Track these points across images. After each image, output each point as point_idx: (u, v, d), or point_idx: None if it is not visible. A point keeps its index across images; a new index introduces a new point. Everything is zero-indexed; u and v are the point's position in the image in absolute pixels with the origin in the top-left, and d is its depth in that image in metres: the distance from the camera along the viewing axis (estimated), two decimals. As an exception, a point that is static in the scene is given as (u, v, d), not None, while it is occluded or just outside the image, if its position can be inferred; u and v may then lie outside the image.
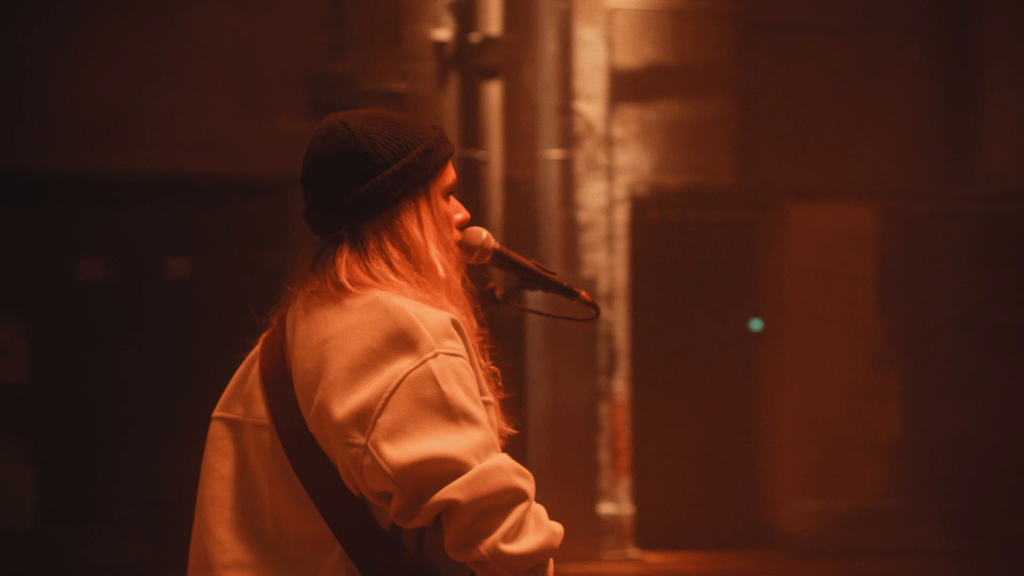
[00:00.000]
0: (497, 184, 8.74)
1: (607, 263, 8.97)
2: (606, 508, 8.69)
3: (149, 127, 7.71)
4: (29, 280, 7.59)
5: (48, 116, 7.53)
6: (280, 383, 2.40)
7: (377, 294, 2.35)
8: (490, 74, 8.68)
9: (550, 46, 8.84)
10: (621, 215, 9.01)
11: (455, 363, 2.31)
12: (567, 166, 8.81)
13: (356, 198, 2.40)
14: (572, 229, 8.85)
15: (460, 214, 2.51)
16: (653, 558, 8.64)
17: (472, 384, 2.32)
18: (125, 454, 7.61)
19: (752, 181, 9.09)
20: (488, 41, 8.63)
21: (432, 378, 2.29)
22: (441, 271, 2.42)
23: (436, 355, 2.30)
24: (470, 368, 2.35)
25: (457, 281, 2.47)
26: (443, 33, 8.67)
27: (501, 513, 2.27)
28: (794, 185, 9.15)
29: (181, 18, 7.94)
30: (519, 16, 8.84)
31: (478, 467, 2.26)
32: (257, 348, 2.44)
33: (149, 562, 7.27)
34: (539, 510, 2.33)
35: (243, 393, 2.43)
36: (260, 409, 2.39)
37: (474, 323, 2.47)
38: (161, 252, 7.82)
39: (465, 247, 2.55)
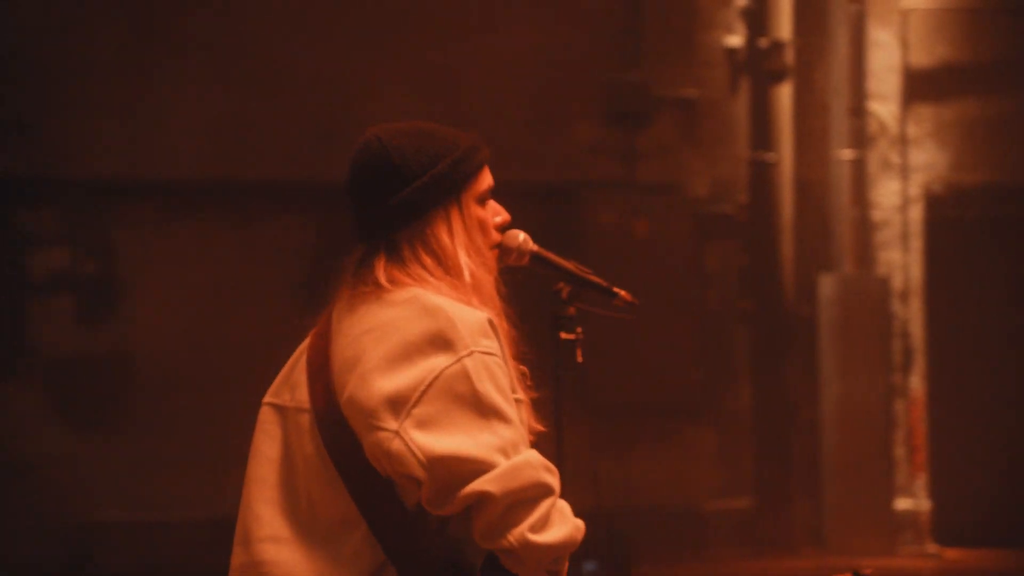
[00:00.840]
0: (788, 185, 8.88)
1: (902, 261, 8.97)
2: (903, 504, 8.67)
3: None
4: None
5: (356, 130, 8.16)
6: (322, 369, 2.47)
7: (416, 291, 2.44)
8: (781, 77, 8.85)
9: (843, 48, 8.95)
10: (916, 213, 8.99)
11: (489, 362, 2.39)
12: (859, 166, 8.88)
13: (389, 209, 2.49)
14: (865, 228, 8.91)
15: (500, 217, 2.59)
16: (952, 554, 8.55)
17: (505, 382, 2.40)
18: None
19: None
20: (779, 45, 8.80)
21: (467, 376, 2.36)
22: (467, 276, 2.48)
23: (472, 353, 2.38)
24: (503, 367, 2.42)
25: (489, 284, 2.53)
26: (734, 39, 8.89)
27: (530, 506, 2.36)
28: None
29: (484, 35, 8.43)
30: (810, 20, 8.97)
31: (510, 462, 2.36)
32: (306, 342, 2.53)
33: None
34: (563, 505, 2.44)
35: (291, 381, 2.52)
36: (303, 394, 2.47)
37: (505, 324, 2.52)
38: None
39: (504, 249, 2.62)
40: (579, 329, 2.71)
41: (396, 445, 2.36)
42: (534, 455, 2.40)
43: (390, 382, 2.38)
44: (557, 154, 8.46)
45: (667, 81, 8.70)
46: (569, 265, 2.73)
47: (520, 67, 8.42)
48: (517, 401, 2.48)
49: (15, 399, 7.93)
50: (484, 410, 2.38)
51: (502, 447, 2.37)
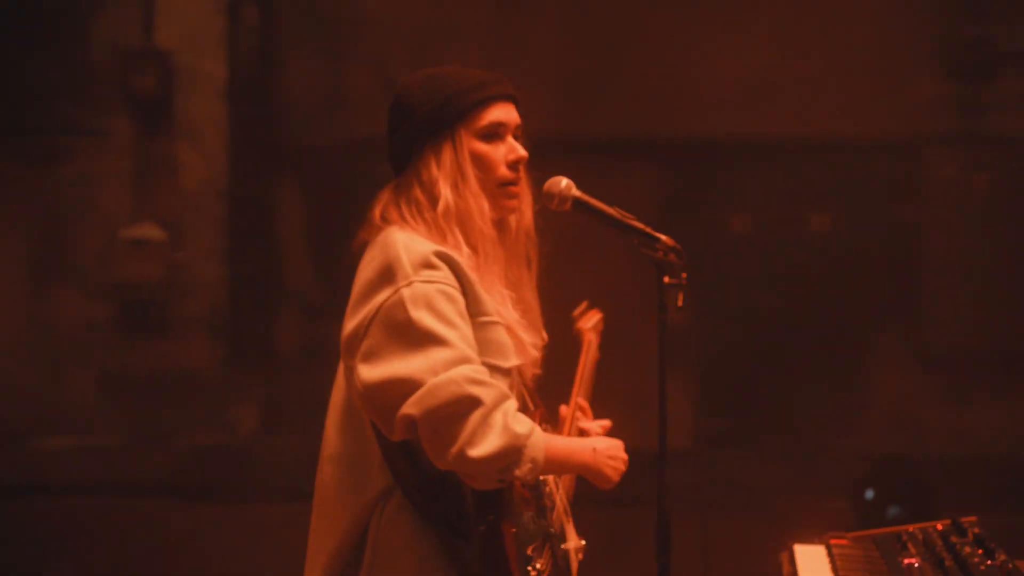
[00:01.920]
0: None
1: None
2: None
3: (795, 93, 8.45)
4: (687, 234, 8.63)
5: (702, 87, 8.50)
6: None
7: (389, 231, 2.55)
8: None
9: None
10: None
11: (428, 289, 2.43)
12: None
13: (393, 146, 2.64)
14: None
15: (513, 154, 2.64)
16: None
17: (447, 307, 2.43)
18: (766, 387, 8.48)
19: None
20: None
21: (403, 304, 2.42)
22: (442, 207, 2.53)
23: (410, 283, 2.44)
24: (451, 293, 2.45)
25: (479, 216, 2.57)
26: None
27: (458, 422, 2.35)
28: None
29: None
30: None
31: (430, 382, 2.36)
32: None
33: (784, 486, 8.08)
34: (503, 415, 2.40)
35: None
36: None
37: (498, 252, 2.60)
38: (803, 207, 8.60)
39: (546, 195, 2.73)
40: (684, 275, 2.74)
41: (353, 381, 2.48)
42: (462, 371, 2.38)
43: (350, 322, 2.50)
44: (898, 109, 8.57)
45: (1014, 36, 8.63)
46: (612, 211, 2.77)
47: (860, 21, 8.54)
48: (491, 323, 2.53)
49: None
50: (417, 336, 2.40)
51: (433, 368, 2.38)
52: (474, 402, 2.35)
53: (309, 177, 9.09)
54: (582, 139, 8.71)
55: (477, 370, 2.40)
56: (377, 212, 2.62)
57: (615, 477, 2.69)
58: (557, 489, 2.79)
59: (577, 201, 2.75)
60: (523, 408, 2.70)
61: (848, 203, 8.56)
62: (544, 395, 2.99)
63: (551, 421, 2.89)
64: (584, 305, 3.37)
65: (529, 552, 2.54)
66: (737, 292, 8.57)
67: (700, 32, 8.52)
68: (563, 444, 2.62)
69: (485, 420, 2.36)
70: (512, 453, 2.37)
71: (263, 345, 9.15)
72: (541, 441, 2.44)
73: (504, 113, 2.65)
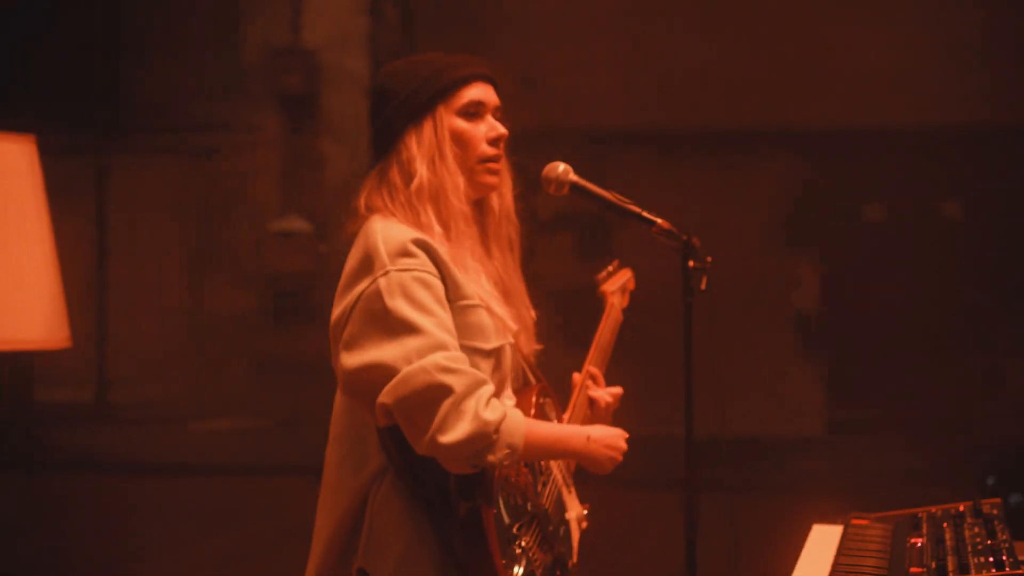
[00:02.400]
0: None
1: None
2: None
3: (929, 82, 8.45)
4: (821, 222, 8.75)
5: (838, 77, 8.58)
6: None
7: (371, 221, 2.58)
8: None
9: None
10: None
11: (404, 277, 2.46)
12: None
13: (375, 133, 2.65)
14: None
15: (494, 131, 2.64)
16: None
17: (424, 295, 2.47)
18: (898, 375, 8.57)
19: None
20: None
21: (379, 294, 2.46)
22: (416, 185, 2.56)
23: (387, 272, 2.47)
24: (430, 278, 2.49)
25: (453, 193, 2.59)
26: None
27: (429, 410, 2.40)
28: None
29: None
30: None
31: (403, 371, 2.41)
32: None
33: (915, 474, 8.14)
34: (476, 402, 2.43)
35: None
36: None
37: (473, 231, 2.62)
38: (934, 196, 8.67)
39: (544, 180, 2.74)
40: (709, 259, 2.73)
41: (337, 368, 2.56)
42: (432, 359, 2.44)
43: (335, 311, 2.58)
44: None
45: None
46: (608, 195, 2.77)
47: (997, 8, 8.52)
48: (471, 307, 2.56)
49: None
50: (393, 324, 2.45)
51: (407, 356, 2.44)
52: (445, 390, 2.40)
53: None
54: (718, 130, 8.88)
55: (450, 357, 2.44)
56: (362, 201, 2.65)
57: (609, 466, 2.70)
58: (556, 463, 2.82)
59: (574, 185, 2.76)
60: (524, 383, 2.80)
61: (981, 191, 8.60)
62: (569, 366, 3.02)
63: (554, 395, 2.91)
64: (614, 265, 3.31)
65: (515, 531, 2.57)
66: (870, 281, 8.67)
67: (835, 20, 8.62)
68: (548, 430, 2.63)
69: (456, 407, 2.41)
70: (482, 439, 2.41)
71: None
72: (520, 427, 2.47)
73: (483, 92, 2.65)
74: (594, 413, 2.92)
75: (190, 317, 9.75)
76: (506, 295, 2.69)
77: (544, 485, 2.74)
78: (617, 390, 2.96)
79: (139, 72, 9.75)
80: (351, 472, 2.65)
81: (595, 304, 3.26)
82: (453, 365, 2.42)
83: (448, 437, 2.39)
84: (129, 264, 9.78)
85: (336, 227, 7.97)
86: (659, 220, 2.74)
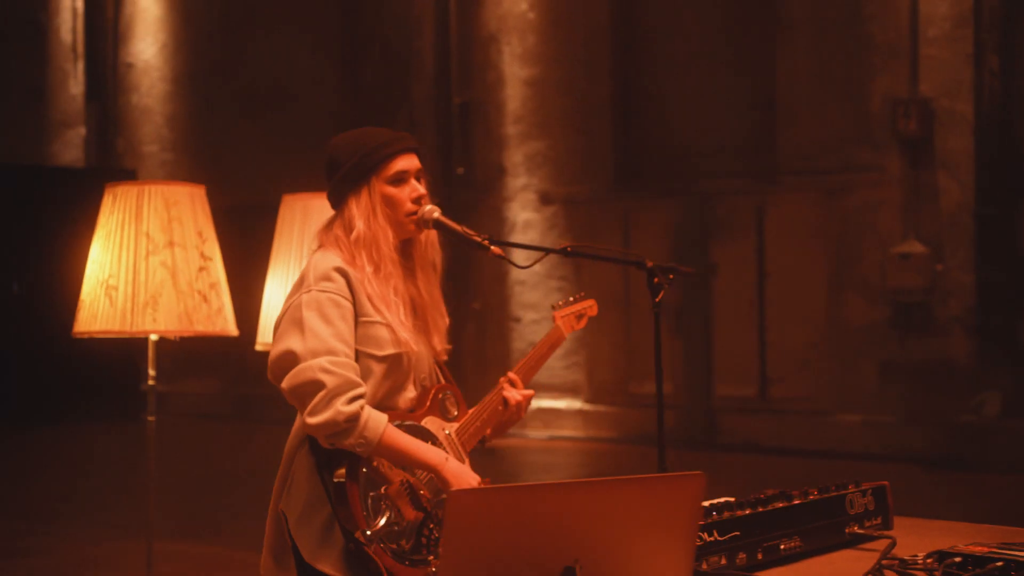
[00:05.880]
0: None
1: None
2: None
3: None
4: None
5: None
6: None
7: (316, 252, 3.17)
8: None
9: None
10: None
11: (320, 296, 3.03)
12: None
13: (329, 192, 3.23)
14: None
15: (415, 193, 3.18)
16: None
17: (332, 311, 3.04)
18: None
19: None
20: None
21: (300, 306, 3.05)
22: (354, 236, 3.12)
23: (310, 291, 3.05)
24: (340, 299, 3.05)
25: (384, 240, 3.13)
26: None
27: (307, 397, 2.97)
28: None
29: None
30: None
31: (299, 366, 2.99)
32: None
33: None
34: (342, 399, 2.95)
35: None
36: None
37: (396, 269, 3.15)
38: None
39: (419, 217, 3.19)
40: (671, 276, 3.20)
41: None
42: (318, 360, 2.99)
43: (279, 317, 3.15)
44: None
45: None
46: (458, 228, 3.21)
47: None
48: (373, 323, 3.11)
49: None
50: (303, 328, 3.03)
51: (305, 348, 3.01)
52: (319, 385, 2.97)
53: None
54: None
55: (333, 361, 3.00)
56: (318, 240, 3.22)
57: (451, 489, 3.02)
58: (450, 438, 3.30)
59: (435, 222, 3.23)
60: (427, 381, 3.31)
61: None
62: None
63: (457, 392, 3.39)
64: (577, 296, 3.77)
65: (383, 491, 3.04)
66: None
67: None
68: (407, 442, 3.08)
69: (324, 399, 2.97)
70: (335, 426, 2.96)
71: (1008, 341, 10.68)
72: (378, 428, 3.00)
73: (407, 162, 3.18)
74: (505, 410, 3.39)
75: (829, 326, 11.49)
76: (423, 310, 3.27)
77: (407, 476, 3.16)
78: (529, 392, 3.42)
79: (789, 129, 11.74)
80: (293, 438, 3.18)
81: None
82: (332, 368, 2.99)
83: (314, 420, 2.97)
84: (783, 283, 11.75)
85: (951, 248, 9.54)
86: (493, 248, 3.21)
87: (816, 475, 9.61)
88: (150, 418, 5.01)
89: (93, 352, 9.94)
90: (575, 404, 12.75)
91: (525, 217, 13.26)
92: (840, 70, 11.39)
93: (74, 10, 17.78)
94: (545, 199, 13.17)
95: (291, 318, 3.06)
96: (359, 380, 3.02)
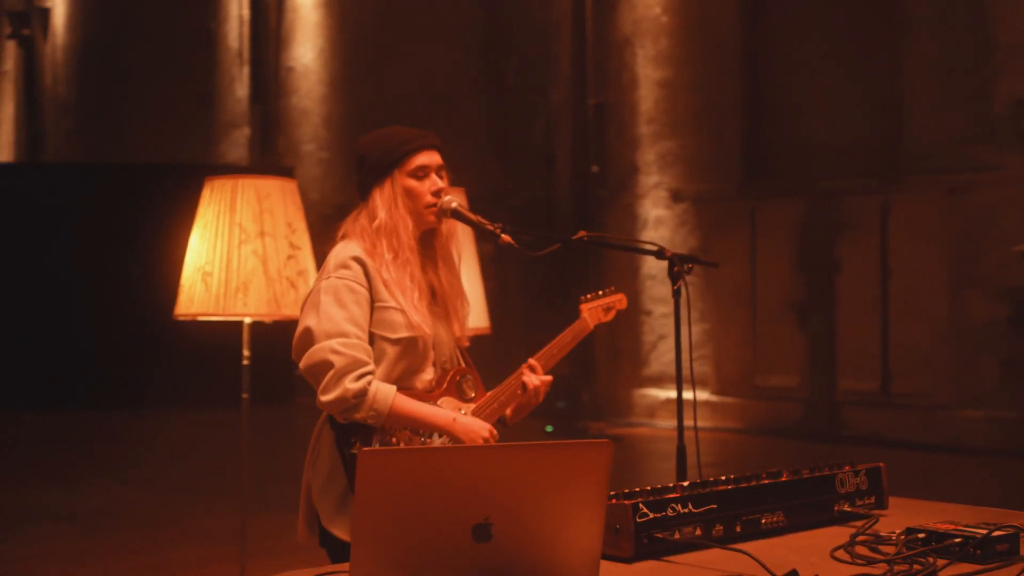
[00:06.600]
0: None
1: None
2: None
3: None
4: None
5: None
6: None
7: (339, 243, 3.31)
8: None
9: None
10: None
11: (337, 283, 3.19)
12: None
13: (357, 185, 3.38)
14: None
15: (435, 186, 3.34)
16: None
17: (347, 297, 3.19)
18: None
19: None
20: None
21: (319, 291, 3.21)
22: (375, 225, 3.26)
23: (328, 278, 3.21)
24: (356, 286, 3.20)
25: (404, 230, 3.28)
26: None
27: (320, 376, 3.13)
28: None
29: None
30: None
31: (313, 347, 3.15)
32: None
33: None
34: (351, 378, 3.11)
35: None
36: None
37: (416, 259, 3.30)
38: None
39: (439, 207, 3.35)
40: (688, 266, 3.37)
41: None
42: (330, 342, 3.14)
43: (303, 301, 3.32)
44: None
45: None
46: (474, 218, 3.38)
47: None
48: (387, 308, 3.25)
49: None
50: (320, 312, 3.19)
51: (320, 328, 3.16)
52: (328, 364, 3.13)
53: None
54: None
55: (343, 343, 3.15)
56: (341, 231, 3.37)
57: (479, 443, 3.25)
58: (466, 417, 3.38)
59: (453, 211, 3.38)
60: (448, 365, 3.44)
61: None
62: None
63: (475, 375, 3.50)
64: (607, 290, 3.87)
65: None
66: None
67: None
68: (416, 407, 3.23)
69: (334, 377, 3.12)
70: (344, 402, 3.12)
71: None
72: (387, 399, 3.15)
73: (428, 158, 3.35)
74: (524, 394, 3.47)
75: (951, 323, 11.58)
76: (443, 298, 3.42)
77: (423, 442, 3.31)
78: (547, 378, 3.50)
79: (912, 128, 11.88)
80: (321, 413, 3.31)
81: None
82: (342, 349, 3.14)
83: (325, 397, 3.15)
84: (905, 281, 11.88)
85: None
86: (505, 236, 3.35)
87: (935, 470, 9.95)
88: (244, 395, 5.21)
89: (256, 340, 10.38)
90: (702, 396, 13.09)
91: (656, 214, 13.63)
92: (963, 70, 11.49)
93: (241, 18, 18.69)
94: (676, 197, 13.52)
95: (311, 302, 3.24)
96: (368, 360, 3.17)
